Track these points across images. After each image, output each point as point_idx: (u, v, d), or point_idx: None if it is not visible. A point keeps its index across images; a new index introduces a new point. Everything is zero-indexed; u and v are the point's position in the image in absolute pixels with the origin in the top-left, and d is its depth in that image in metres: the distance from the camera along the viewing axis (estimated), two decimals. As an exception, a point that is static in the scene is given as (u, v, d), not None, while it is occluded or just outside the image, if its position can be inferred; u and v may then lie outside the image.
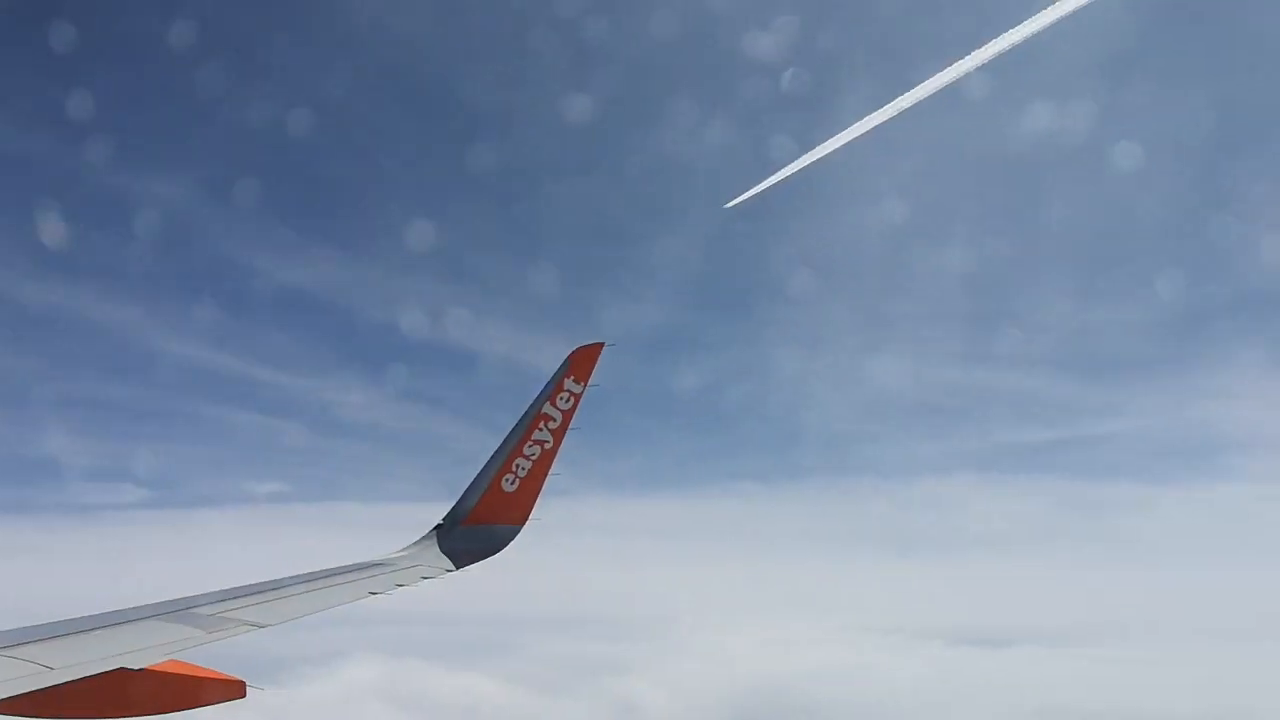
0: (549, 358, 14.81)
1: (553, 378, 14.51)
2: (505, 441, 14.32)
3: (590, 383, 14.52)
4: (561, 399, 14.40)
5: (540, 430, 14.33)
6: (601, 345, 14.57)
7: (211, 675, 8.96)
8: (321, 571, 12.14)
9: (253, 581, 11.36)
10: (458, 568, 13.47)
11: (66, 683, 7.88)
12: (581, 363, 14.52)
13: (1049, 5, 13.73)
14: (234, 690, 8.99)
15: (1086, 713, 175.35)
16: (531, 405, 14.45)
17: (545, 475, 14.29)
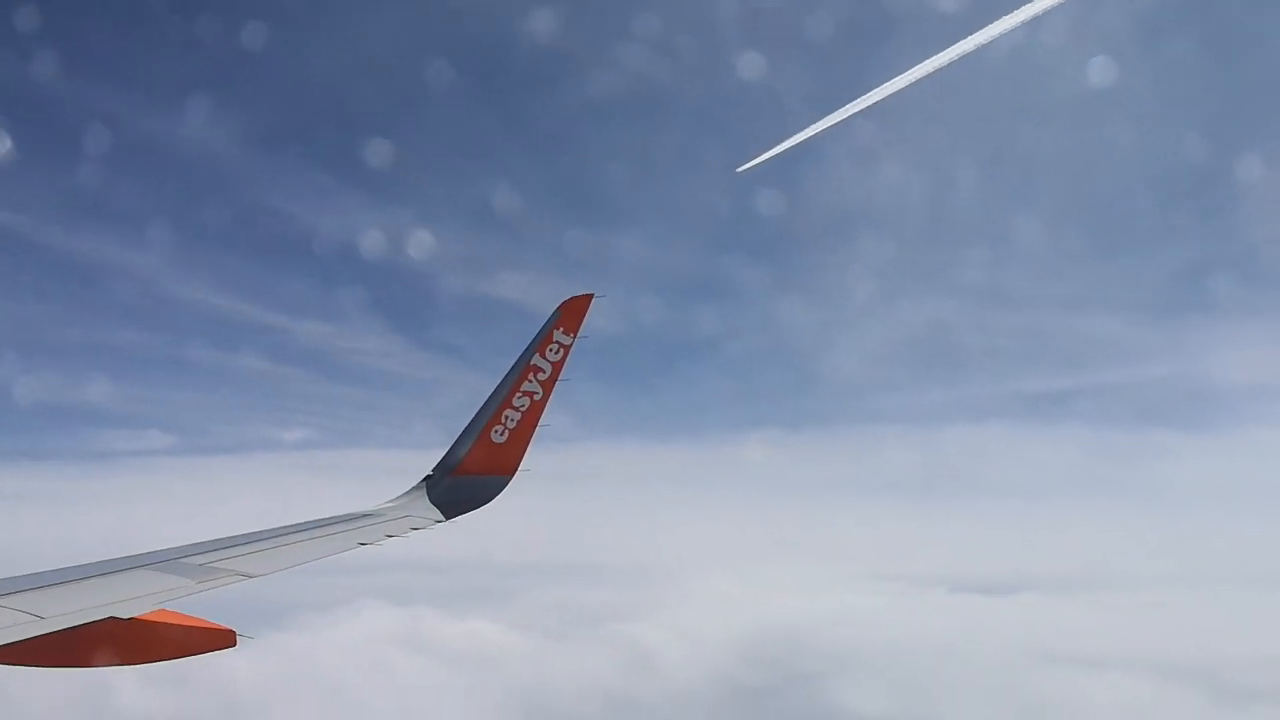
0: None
1: (542, 329, 14.51)
2: (494, 393, 14.36)
3: (580, 334, 14.54)
4: (551, 350, 14.42)
5: (529, 381, 14.35)
6: (591, 296, 14.56)
7: (201, 624, 9.05)
8: (311, 522, 12.26)
9: (243, 532, 11.49)
10: (447, 518, 13.58)
11: (56, 632, 7.96)
12: (571, 314, 14.52)
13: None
14: (223, 639, 9.09)
15: (1085, 658, 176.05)
16: (521, 357, 14.48)
17: (534, 426, 14.34)
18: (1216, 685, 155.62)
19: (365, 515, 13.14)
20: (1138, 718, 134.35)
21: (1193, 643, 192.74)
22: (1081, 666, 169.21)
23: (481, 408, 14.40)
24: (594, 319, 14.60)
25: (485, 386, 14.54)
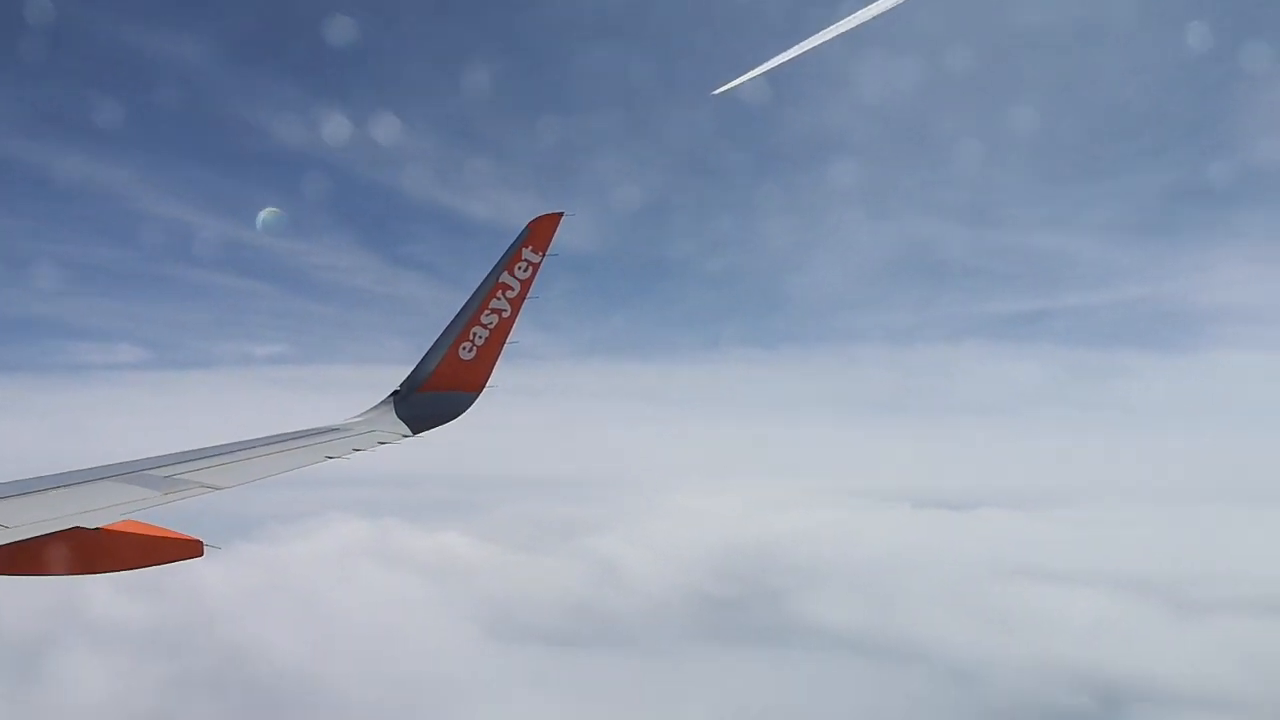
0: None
1: (511, 247, 14.48)
2: (463, 310, 14.37)
3: (549, 252, 14.52)
4: (520, 268, 14.41)
5: (498, 299, 14.37)
6: (560, 215, 14.53)
7: (168, 535, 9.11)
8: (277, 436, 12.32)
9: (209, 444, 11.54)
10: (414, 434, 13.68)
11: (22, 541, 8.00)
12: (540, 232, 14.50)
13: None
14: (191, 550, 9.14)
15: (1049, 572, 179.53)
16: (489, 274, 14.47)
17: (502, 344, 14.40)
18: (1178, 599, 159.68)
19: (332, 430, 13.20)
20: (1101, 630, 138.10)
21: (1156, 557, 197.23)
22: (1045, 580, 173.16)
23: (449, 324, 14.42)
24: (565, 237, 14.60)
25: (456, 304, 14.56)
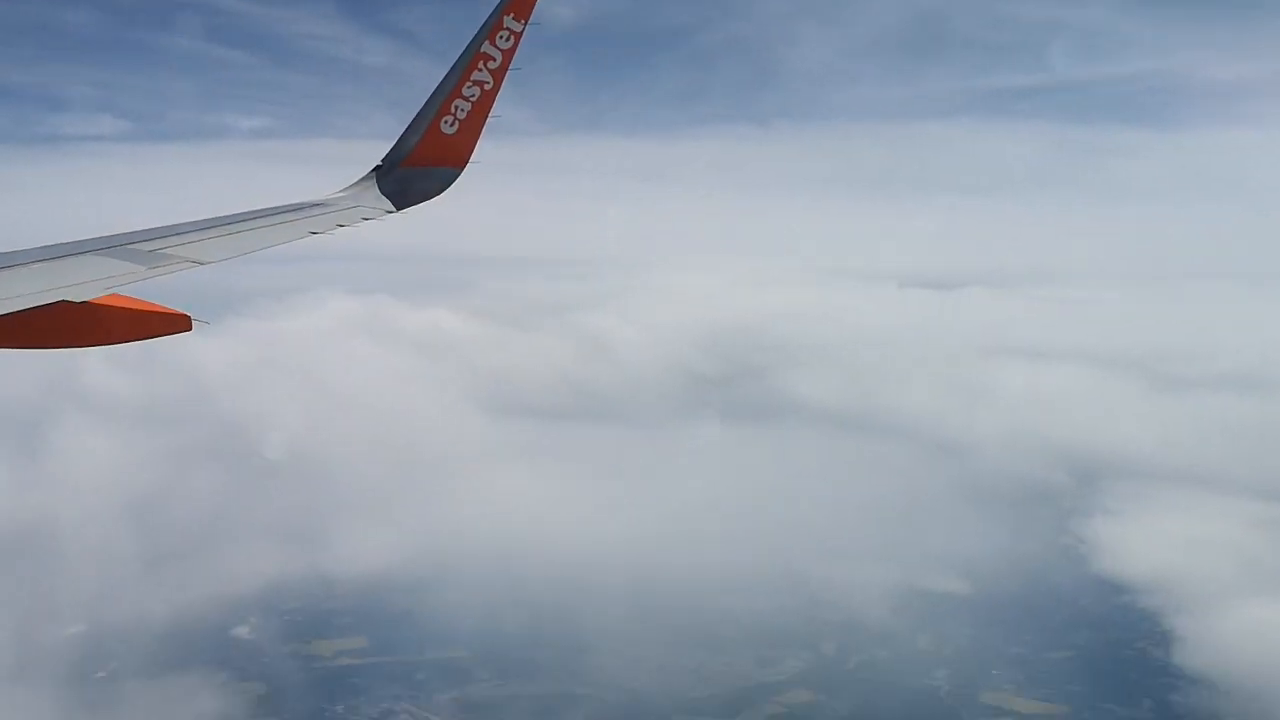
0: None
1: (491, 15, 13.91)
2: (444, 82, 13.92)
3: (531, 20, 13.97)
4: (501, 38, 13.88)
5: (479, 71, 13.90)
6: None
7: (155, 309, 9.12)
8: (260, 211, 12.20)
9: (192, 219, 11.43)
10: (398, 209, 13.54)
11: (7, 315, 7.98)
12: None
13: None
14: (179, 324, 9.13)
15: (1030, 350, 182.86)
16: (470, 45, 13.94)
17: (485, 117, 14.03)
18: (1157, 375, 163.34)
19: (315, 205, 13.06)
20: (1080, 405, 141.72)
21: (1137, 334, 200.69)
22: (1028, 358, 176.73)
23: (430, 97, 14.01)
24: (550, 6, 14.05)
25: (441, 76, 14.12)
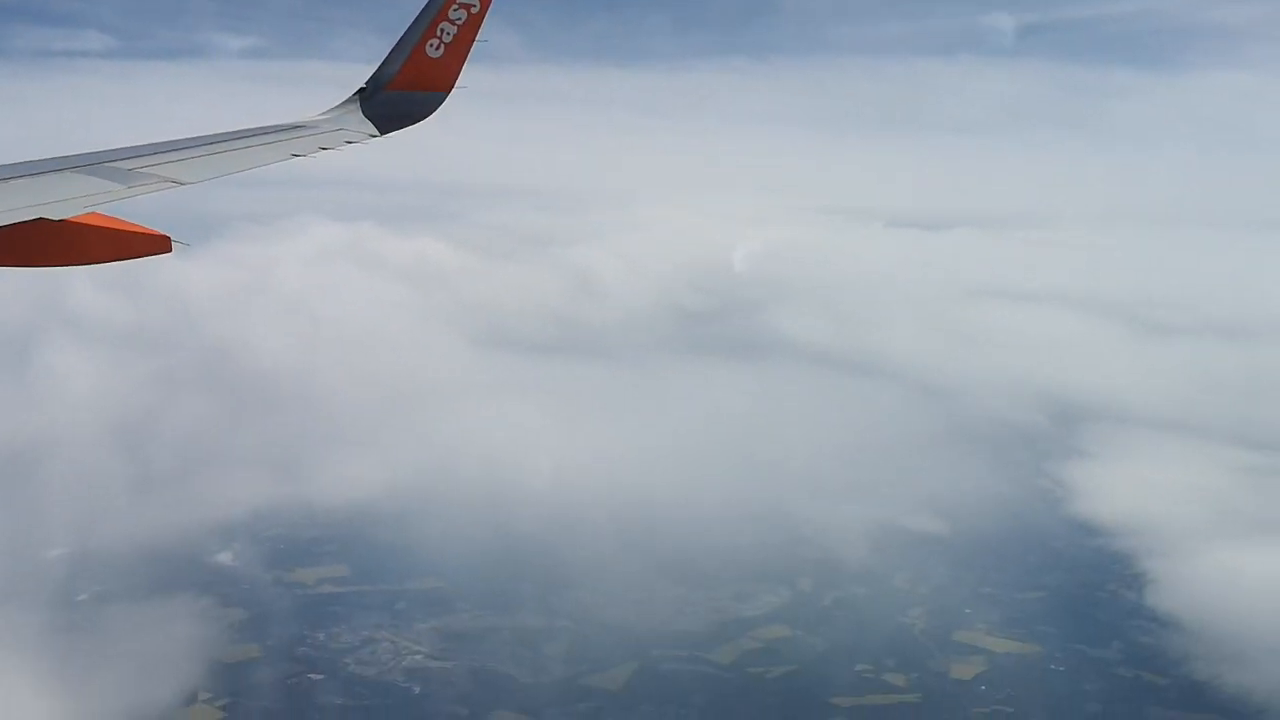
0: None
1: (480, -63, 13.67)
2: (429, 4, 13.72)
3: None
4: None
5: None
6: None
7: (135, 229, 9.02)
8: (241, 131, 12.05)
9: (171, 138, 11.29)
10: (381, 133, 13.41)
11: None
12: None
13: None
14: (158, 245, 9.05)
15: (1016, 292, 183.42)
16: (457, -34, 13.71)
17: (471, 41, 13.83)
18: (1142, 320, 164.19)
19: (297, 126, 12.91)
20: (1063, 349, 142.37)
21: (1122, 279, 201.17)
22: (1013, 300, 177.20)
23: (416, 19, 13.79)
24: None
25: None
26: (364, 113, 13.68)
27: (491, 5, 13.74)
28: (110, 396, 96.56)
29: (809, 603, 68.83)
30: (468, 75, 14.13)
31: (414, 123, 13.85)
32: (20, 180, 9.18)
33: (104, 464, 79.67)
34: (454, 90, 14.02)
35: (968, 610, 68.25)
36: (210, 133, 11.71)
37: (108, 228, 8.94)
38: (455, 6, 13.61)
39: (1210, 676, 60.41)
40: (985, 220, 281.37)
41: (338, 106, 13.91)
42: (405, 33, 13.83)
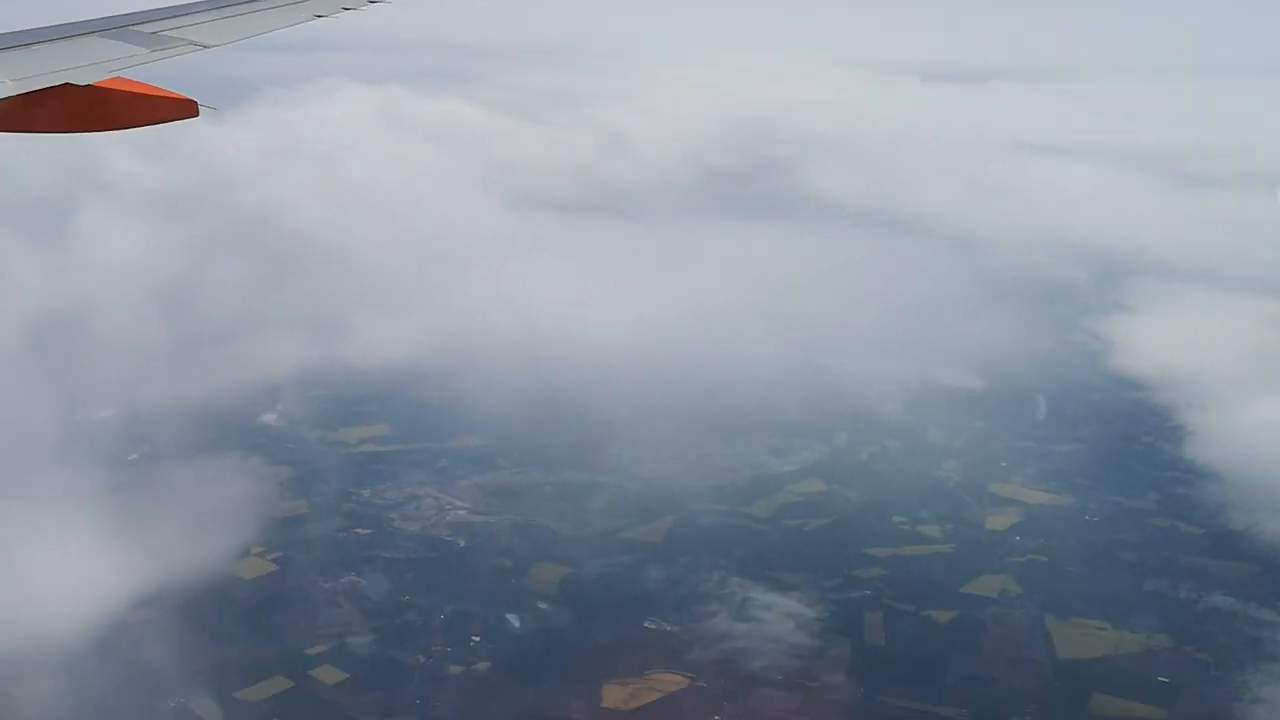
0: None
1: None
2: None
3: None
4: None
5: None
6: None
7: (162, 93, 8.94)
8: None
9: (193, 1, 11.12)
10: None
11: (9, 98, 7.76)
12: None
13: None
14: (186, 109, 8.98)
15: (1053, 146, 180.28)
16: None
17: None
18: (1181, 172, 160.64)
19: None
20: (1100, 203, 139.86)
21: (1160, 131, 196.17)
22: (1049, 154, 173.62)
23: None
24: None
25: None
26: None
27: None
28: (148, 261, 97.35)
29: (845, 458, 69.56)
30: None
31: None
32: (43, 45, 9.10)
33: (146, 327, 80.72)
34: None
35: (1003, 464, 68.78)
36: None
37: (134, 92, 8.87)
38: None
39: (1246, 526, 60.88)
40: (1022, 73, 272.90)
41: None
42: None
